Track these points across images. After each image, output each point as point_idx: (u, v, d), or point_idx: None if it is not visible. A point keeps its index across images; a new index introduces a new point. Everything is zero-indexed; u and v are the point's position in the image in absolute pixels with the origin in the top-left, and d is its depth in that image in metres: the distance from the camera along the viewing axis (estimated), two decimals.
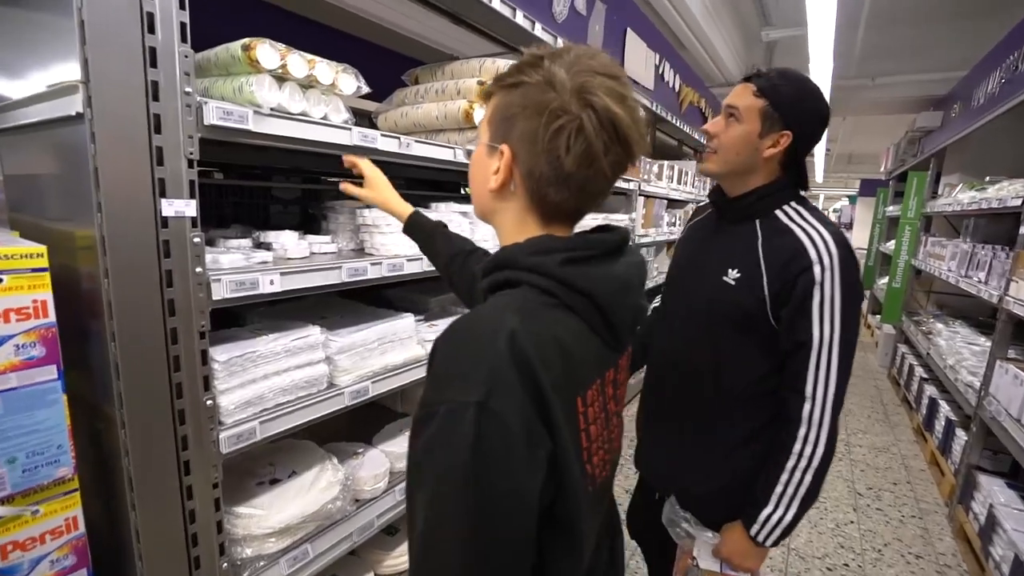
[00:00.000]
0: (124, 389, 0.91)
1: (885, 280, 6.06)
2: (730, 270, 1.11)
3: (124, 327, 0.90)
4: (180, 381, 0.98)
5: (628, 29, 2.83)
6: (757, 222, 1.12)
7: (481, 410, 0.49)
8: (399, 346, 1.43)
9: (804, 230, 1.06)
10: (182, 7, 0.94)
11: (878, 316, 6.08)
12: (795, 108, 1.07)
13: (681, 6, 3.78)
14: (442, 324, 1.59)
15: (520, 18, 1.79)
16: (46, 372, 0.84)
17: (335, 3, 1.73)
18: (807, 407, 1.04)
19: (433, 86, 1.78)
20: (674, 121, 3.82)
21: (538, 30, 1.89)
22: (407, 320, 1.48)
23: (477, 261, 1.08)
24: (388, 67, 2.11)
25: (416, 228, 1.19)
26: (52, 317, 0.84)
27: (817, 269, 1.01)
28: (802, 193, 1.16)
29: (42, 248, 0.82)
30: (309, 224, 1.67)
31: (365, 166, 1.25)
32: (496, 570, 0.51)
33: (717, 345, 1.13)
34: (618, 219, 2.96)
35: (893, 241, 5.55)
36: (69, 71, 0.87)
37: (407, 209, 1.22)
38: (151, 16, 0.90)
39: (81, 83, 0.85)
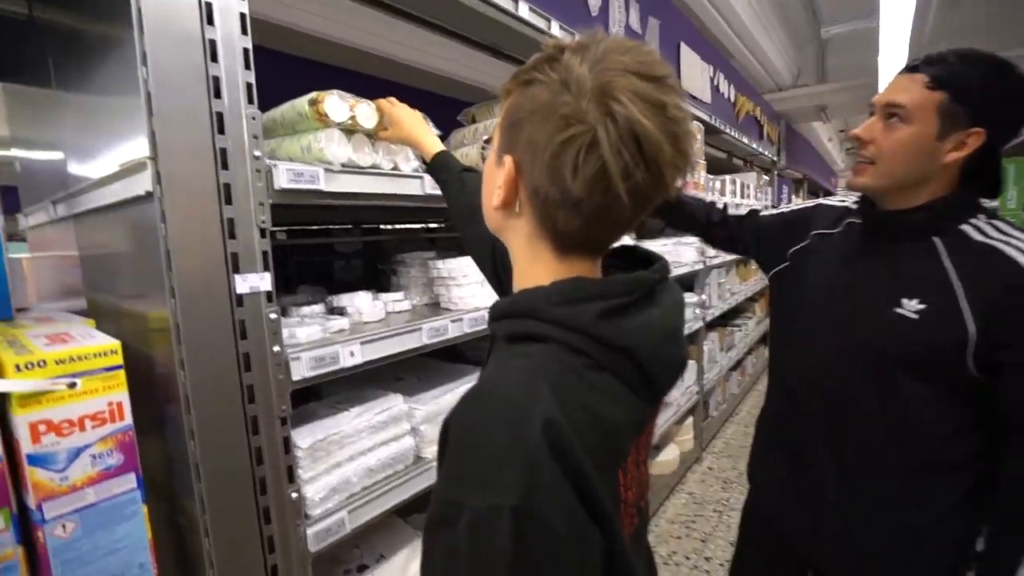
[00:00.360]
0: (206, 492, 0.81)
1: None
2: (906, 300, 0.89)
3: (203, 421, 0.81)
4: (263, 475, 0.88)
5: (682, 43, 2.70)
6: (937, 240, 0.90)
7: (519, 515, 0.40)
8: None
9: (1016, 247, 0.83)
10: (247, 67, 0.87)
11: None
12: (989, 98, 0.85)
13: (730, 14, 3.63)
14: None
15: None
16: (125, 482, 0.75)
17: (383, 55, 1.68)
18: None
19: (493, 122, 1.69)
20: (732, 133, 3.63)
21: None
22: None
23: (482, 220, 0.95)
24: (440, 111, 2.06)
25: (437, 170, 1.07)
26: (129, 419, 0.75)
27: None
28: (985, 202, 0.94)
29: (116, 344, 0.74)
30: (375, 278, 1.59)
31: (385, 107, 1.12)
32: None
33: (891, 393, 0.91)
34: (688, 241, 2.77)
35: None
36: (139, 148, 0.82)
37: (434, 147, 1.08)
38: (216, 80, 0.84)
39: (149, 159, 0.79)
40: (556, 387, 0.46)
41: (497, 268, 0.87)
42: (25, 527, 0.69)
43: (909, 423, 0.90)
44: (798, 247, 1.15)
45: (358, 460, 1.03)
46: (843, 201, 1.14)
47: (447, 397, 1.21)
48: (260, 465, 0.88)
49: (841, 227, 1.09)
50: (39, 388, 0.68)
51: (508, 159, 0.53)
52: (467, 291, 1.29)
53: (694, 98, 2.80)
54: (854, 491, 0.97)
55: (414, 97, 2.00)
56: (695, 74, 2.87)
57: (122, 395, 0.75)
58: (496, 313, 0.57)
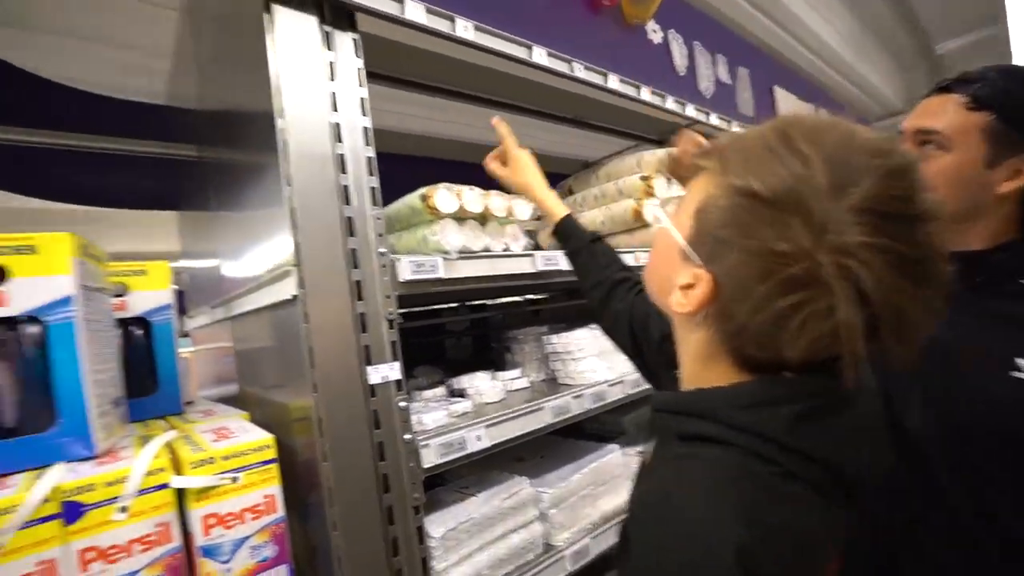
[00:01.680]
0: None
1: None
2: (1021, 360, 0.71)
3: (344, 512, 0.84)
4: (400, 567, 0.88)
5: (775, 87, 2.62)
6: None
7: None
8: (611, 487, 1.22)
9: None
10: (371, 174, 0.96)
11: None
12: None
13: (824, 50, 3.49)
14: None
15: (671, 103, 1.68)
16: (279, 573, 0.78)
17: (481, 144, 1.79)
18: None
19: (591, 192, 1.71)
20: None
21: (690, 111, 1.77)
22: (614, 454, 1.27)
23: (621, 298, 0.89)
24: None
25: (564, 236, 1.03)
26: (281, 511, 0.80)
27: None
28: None
29: (271, 439, 0.80)
30: (486, 354, 1.62)
31: (510, 140, 1.11)
32: None
33: (995, 481, 0.72)
34: None
35: None
36: (284, 256, 0.91)
37: (559, 211, 1.05)
38: (346, 189, 0.93)
39: (293, 266, 0.87)
40: (747, 506, 0.41)
41: (638, 340, 0.84)
42: None
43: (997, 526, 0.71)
44: None
45: (487, 550, 1.00)
46: None
47: (575, 478, 1.16)
48: (396, 557, 0.88)
49: None
50: (210, 484, 0.74)
51: (707, 276, 0.47)
52: (584, 364, 1.26)
53: None
54: None
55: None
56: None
57: (275, 488, 0.79)
58: (663, 406, 0.53)
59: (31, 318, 0.73)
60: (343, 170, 0.94)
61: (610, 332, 0.93)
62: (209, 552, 0.73)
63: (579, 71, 1.34)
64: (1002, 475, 0.72)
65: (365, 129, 0.97)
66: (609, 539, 1.17)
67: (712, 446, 0.46)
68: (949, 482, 0.76)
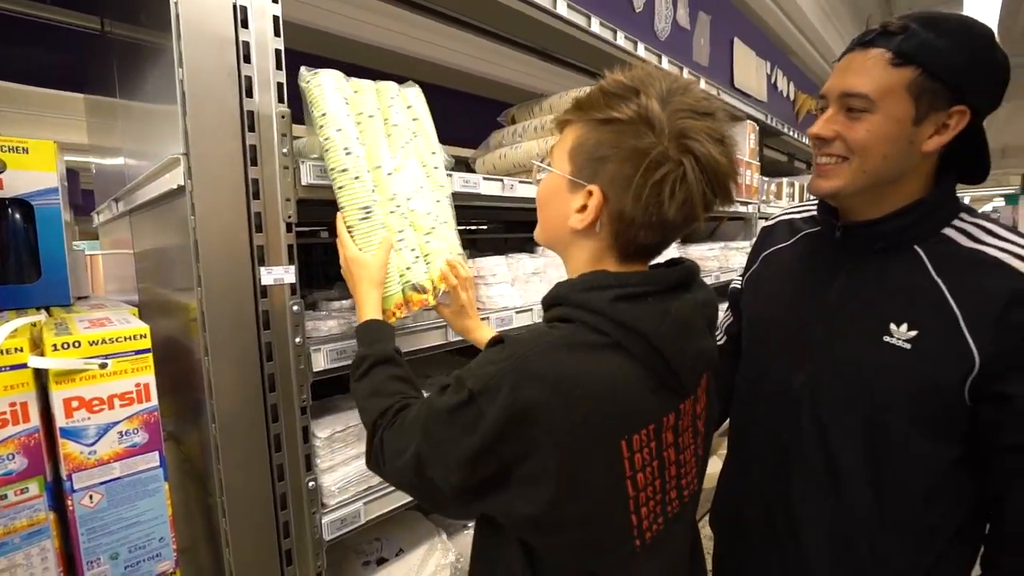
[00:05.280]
0: (224, 474, 0.84)
1: None
2: (894, 326, 0.75)
3: (224, 407, 0.84)
4: (281, 463, 0.90)
5: (735, 39, 2.59)
6: (920, 250, 0.76)
7: (470, 396, 0.58)
8: None
9: (1014, 254, 0.71)
10: (279, 67, 0.91)
11: None
12: (966, 68, 0.70)
13: (789, 6, 3.45)
14: None
15: (621, 40, 1.64)
16: (148, 460, 0.79)
17: (417, 56, 1.70)
18: None
19: (532, 123, 1.68)
20: (791, 133, 3.43)
21: (640, 50, 1.73)
22: None
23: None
24: (478, 114, 2.07)
25: None
26: (154, 401, 0.79)
27: None
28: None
29: (145, 329, 0.79)
30: None
31: (466, 285, 1.02)
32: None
33: (877, 438, 0.77)
34: (737, 246, 2.64)
35: None
36: (174, 142, 0.86)
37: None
38: (249, 80, 0.88)
39: (183, 154, 0.83)
40: (559, 346, 0.57)
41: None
42: (58, 495, 0.74)
43: (898, 477, 0.77)
44: (748, 274, 1.03)
45: None
46: (805, 213, 0.99)
47: None
48: (278, 452, 0.90)
49: (793, 240, 0.95)
50: (72, 367, 0.72)
51: (596, 189, 0.62)
52: (495, 290, 1.28)
53: (746, 95, 2.67)
54: (841, 567, 0.81)
55: (450, 98, 2.04)
56: (750, 71, 2.74)
57: (149, 377, 0.79)
58: (544, 306, 0.67)
59: None
60: (247, 59, 0.88)
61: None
62: (71, 434, 0.72)
63: None
64: (874, 432, 0.77)
65: (275, 17, 0.90)
66: None
67: (563, 325, 0.60)
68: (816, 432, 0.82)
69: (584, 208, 0.63)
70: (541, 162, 0.77)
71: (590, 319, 0.59)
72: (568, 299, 0.62)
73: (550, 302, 0.65)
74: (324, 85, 0.94)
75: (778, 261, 0.97)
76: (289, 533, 0.91)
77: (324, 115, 0.92)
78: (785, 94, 3.43)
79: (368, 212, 0.93)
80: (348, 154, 0.92)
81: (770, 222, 1.06)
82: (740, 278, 1.12)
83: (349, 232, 0.92)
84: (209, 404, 0.84)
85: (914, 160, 0.75)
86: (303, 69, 0.96)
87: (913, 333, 0.74)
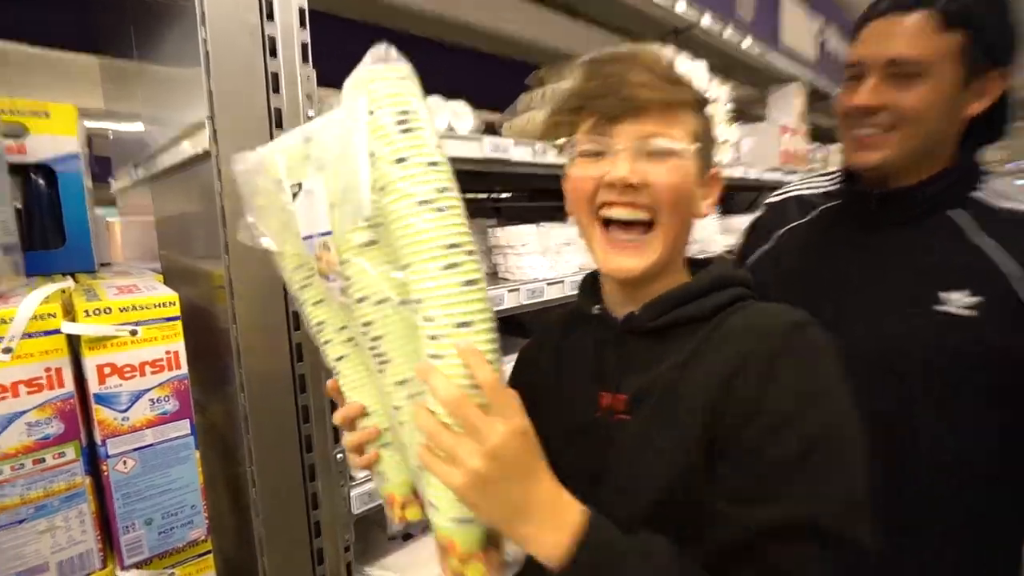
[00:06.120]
0: (254, 445, 0.83)
1: None
2: (945, 294, 0.72)
3: (252, 375, 0.83)
4: (310, 433, 0.89)
5: None
6: (954, 215, 0.75)
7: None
8: None
9: None
10: (303, 26, 0.86)
11: None
12: (1004, 31, 0.72)
13: None
14: None
15: None
16: (179, 427, 0.78)
17: (446, 19, 1.63)
18: None
19: (561, 86, 1.61)
20: None
21: (681, 6, 1.63)
22: None
23: None
24: (506, 78, 1.99)
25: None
26: (184, 368, 0.78)
27: None
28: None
29: (174, 296, 0.77)
30: None
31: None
32: None
33: (948, 412, 0.73)
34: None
35: None
36: (198, 105, 0.83)
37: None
38: (272, 40, 0.84)
39: (208, 119, 0.80)
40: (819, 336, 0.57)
41: None
42: (93, 461, 0.74)
43: (967, 454, 0.73)
44: (759, 253, 0.98)
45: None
46: (818, 188, 0.96)
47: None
48: (307, 423, 0.89)
49: (812, 216, 0.92)
50: (105, 333, 0.71)
51: (717, 171, 0.64)
52: (525, 261, 1.24)
53: (795, 57, 2.52)
54: (908, 553, 0.76)
55: (477, 62, 1.96)
56: (799, 30, 2.60)
57: (178, 345, 0.77)
58: (705, 287, 0.62)
59: None
60: (270, 17, 0.84)
61: None
62: (104, 400, 0.72)
63: None
64: (925, 399, 0.75)
65: None
66: None
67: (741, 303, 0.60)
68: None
69: (708, 194, 0.65)
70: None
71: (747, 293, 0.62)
72: (740, 279, 0.63)
73: (724, 283, 0.62)
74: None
75: (798, 238, 0.94)
76: (318, 505, 0.91)
77: None
78: (839, 58, 3.26)
79: None
80: None
81: (776, 198, 1.02)
82: (731, 253, 1.09)
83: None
84: (238, 373, 0.83)
85: (956, 126, 0.76)
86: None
87: (975, 299, 0.71)
